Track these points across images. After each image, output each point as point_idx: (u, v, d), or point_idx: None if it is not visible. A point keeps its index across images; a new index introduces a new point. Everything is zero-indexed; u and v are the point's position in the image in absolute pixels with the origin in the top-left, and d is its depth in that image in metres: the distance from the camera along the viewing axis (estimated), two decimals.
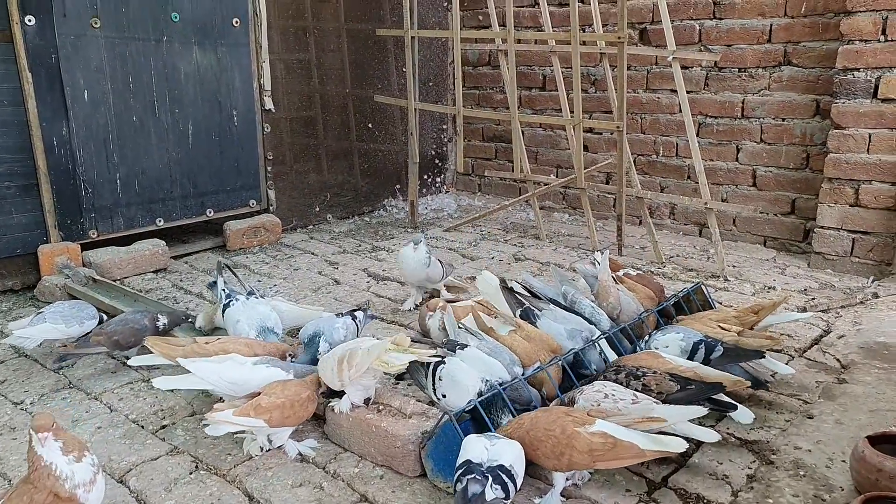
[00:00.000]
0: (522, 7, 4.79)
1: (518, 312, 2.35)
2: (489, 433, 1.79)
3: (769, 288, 3.35)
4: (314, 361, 2.27)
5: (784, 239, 3.94)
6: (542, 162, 4.94)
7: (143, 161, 3.62)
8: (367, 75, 4.70)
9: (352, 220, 4.74)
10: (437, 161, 5.36)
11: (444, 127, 5.35)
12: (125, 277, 3.51)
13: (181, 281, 3.53)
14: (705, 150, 4.04)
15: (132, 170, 3.58)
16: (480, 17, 5.03)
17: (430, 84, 5.05)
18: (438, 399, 2.02)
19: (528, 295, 2.48)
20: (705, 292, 2.80)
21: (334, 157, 4.62)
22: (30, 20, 3.11)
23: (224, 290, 2.50)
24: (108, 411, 2.27)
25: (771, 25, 3.78)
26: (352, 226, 4.62)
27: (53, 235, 3.36)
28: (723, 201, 4.03)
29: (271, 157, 4.19)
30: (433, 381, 2.02)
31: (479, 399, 1.91)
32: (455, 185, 5.53)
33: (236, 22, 3.85)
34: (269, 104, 4.11)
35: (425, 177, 5.27)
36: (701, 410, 1.81)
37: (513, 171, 4.34)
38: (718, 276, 3.49)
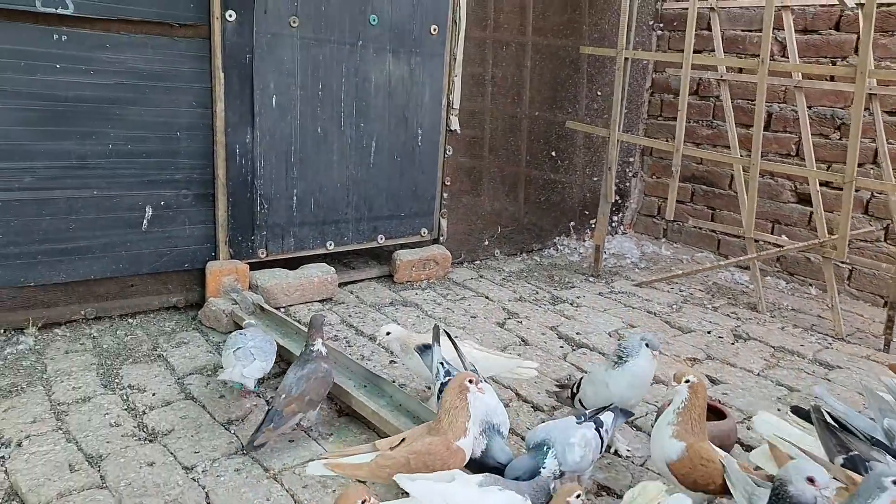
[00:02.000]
0: (750, 31, 4.09)
1: (839, 461, 1.68)
2: None
3: None
4: (534, 473, 1.74)
5: None
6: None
7: (322, 178, 3.27)
8: (556, 97, 4.17)
9: (521, 258, 4.22)
10: (616, 198, 4.73)
11: (631, 160, 4.72)
12: (291, 305, 3.16)
13: (349, 316, 3.12)
14: None
15: (310, 187, 3.23)
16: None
17: (623, 111, 4.43)
18: None
19: (838, 427, 1.81)
20: None
21: (510, 187, 4.11)
22: (230, 15, 2.82)
23: (442, 364, 2.00)
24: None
25: None
26: (522, 265, 4.09)
27: (223, 252, 3.05)
28: None
29: (448, 184, 3.74)
30: None
31: None
32: (634, 227, 4.88)
33: (434, 30, 3.44)
34: (454, 124, 3.66)
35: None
36: None
37: (712, 220, 3.65)
38: None
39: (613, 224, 4.77)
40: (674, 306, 3.52)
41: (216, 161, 2.94)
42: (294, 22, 2.98)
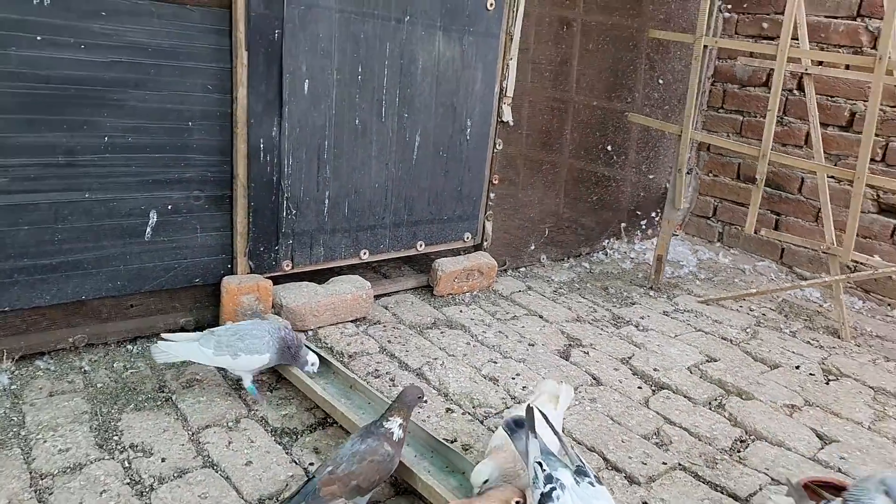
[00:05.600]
0: (835, 18, 3.58)
1: None
2: None
3: None
4: None
5: None
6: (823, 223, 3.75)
7: (358, 178, 2.76)
8: (615, 85, 3.66)
9: (568, 265, 3.75)
10: (667, 195, 4.26)
11: (676, 154, 4.23)
12: (320, 327, 2.69)
13: (389, 342, 2.66)
14: None
15: (344, 187, 2.73)
16: (765, 25, 3.86)
17: (683, 103, 3.94)
18: None
19: None
20: None
21: (561, 184, 3.63)
22: None
23: (541, 464, 1.50)
24: None
25: None
26: (571, 274, 3.63)
27: (241, 265, 2.56)
28: None
29: (496, 182, 3.25)
30: None
31: None
32: (685, 228, 4.43)
33: (490, 4, 2.91)
34: (507, 115, 3.15)
35: (652, 213, 4.20)
36: None
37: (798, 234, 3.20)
38: None
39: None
40: (748, 330, 3.08)
41: (235, 157, 2.44)
42: None
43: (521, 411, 1.79)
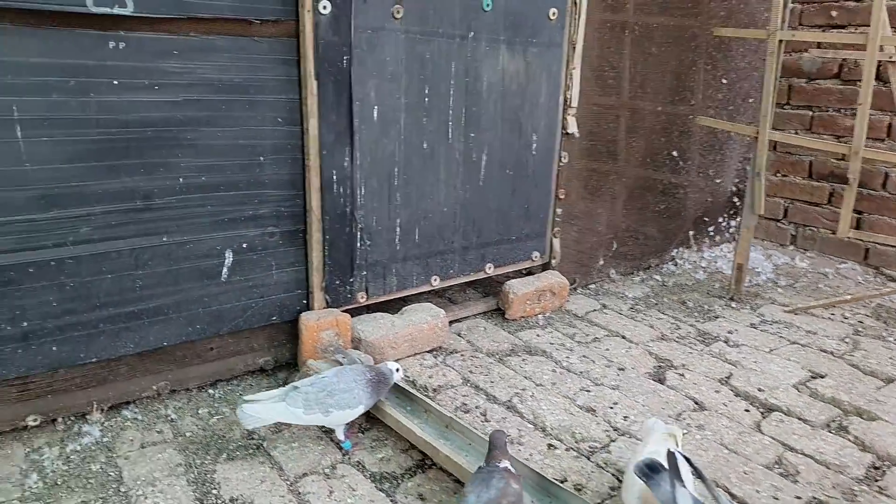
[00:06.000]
0: None
1: None
2: None
3: None
4: None
5: None
6: None
7: (428, 202, 2.68)
8: (679, 88, 3.53)
9: (639, 279, 3.61)
10: (735, 199, 4.10)
11: (750, 156, 4.07)
12: (398, 360, 2.60)
13: (470, 372, 2.55)
14: None
15: (415, 213, 2.65)
16: (834, 14, 3.70)
17: (750, 101, 3.78)
18: None
19: None
20: None
21: (628, 194, 3.49)
22: (325, 7, 2.22)
23: None
24: None
25: None
26: (644, 288, 3.48)
27: (317, 299, 2.49)
28: None
29: (562, 197, 3.14)
30: None
31: None
32: (754, 231, 4.24)
33: (553, 14, 2.81)
34: (572, 126, 3.04)
35: (719, 219, 4.04)
36: None
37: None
38: None
39: (731, 229, 4.14)
40: (847, 341, 2.89)
41: (308, 190, 2.37)
42: (398, 12, 2.38)
43: (636, 450, 1.66)
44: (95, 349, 2.08)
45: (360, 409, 2.02)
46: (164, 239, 2.15)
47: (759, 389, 2.46)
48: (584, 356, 2.71)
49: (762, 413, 2.34)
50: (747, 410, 2.35)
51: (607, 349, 2.79)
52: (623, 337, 2.91)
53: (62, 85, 1.88)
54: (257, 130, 2.25)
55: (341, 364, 2.28)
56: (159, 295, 2.17)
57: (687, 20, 3.39)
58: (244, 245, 2.31)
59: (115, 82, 1.95)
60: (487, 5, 2.60)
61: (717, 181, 3.87)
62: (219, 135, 2.18)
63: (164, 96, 2.05)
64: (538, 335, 2.89)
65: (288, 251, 2.42)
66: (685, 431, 2.20)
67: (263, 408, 1.92)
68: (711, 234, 4.01)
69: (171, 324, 2.21)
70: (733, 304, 3.29)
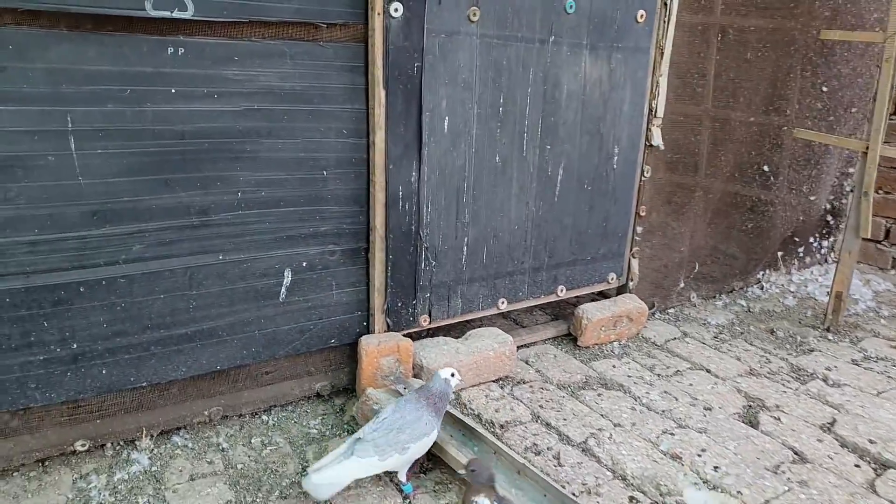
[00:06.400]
0: None
1: None
2: None
3: None
4: None
5: None
6: None
7: (497, 220, 2.48)
8: (774, 96, 3.21)
9: (722, 302, 3.32)
10: (828, 218, 3.75)
11: (850, 171, 3.71)
12: (462, 390, 2.41)
13: (540, 406, 2.34)
14: None
15: (483, 232, 2.46)
16: None
17: (853, 111, 3.43)
18: None
19: None
20: None
21: (714, 212, 3.21)
22: (396, 9, 2.05)
23: None
24: None
25: None
26: (728, 314, 3.19)
27: (378, 322, 2.32)
28: None
29: (643, 214, 2.88)
30: None
31: None
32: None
33: (641, 16, 2.57)
34: (657, 138, 2.79)
35: (810, 239, 3.69)
36: None
37: None
38: None
39: (822, 250, 3.79)
40: None
41: (372, 206, 2.20)
42: (474, 15, 2.19)
43: None
44: (146, 373, 1.97)
45: (435, 434, 1.87)
46: (220, 257, 2.02)
47: (871, 441, 2.17)
48: (665, 392, 2.46)
49: (876, 470, 2.04)
50: (857, 465, 2.06)
51: (691, 384, 2.53)
52: (707, 370, 2.64)
53: (118, 94, 1.76)
54: (320, 143, 2.09)
55: (401, 395, 2.11)
56: (213, 316, 2.04)
57: (787, 21, 3.07)
58: (304, 264, 2.16)
59: (173, 91, 1.83)
60: (570, 7, 2.38)
61: (811, 198, 3.53)
62: (279, 147, 2.04)
63: (224, 105, 1.92)
64: (614, 366, 2.66)
65: (349, 270, 2.26)
66: (786, 488, 1.94)
67: (333, 472, 1.74)
68: (801, 255, 3.67)
69: (225, 346, 2.09)
70: (830, 336, 2.97)
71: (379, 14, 2.02)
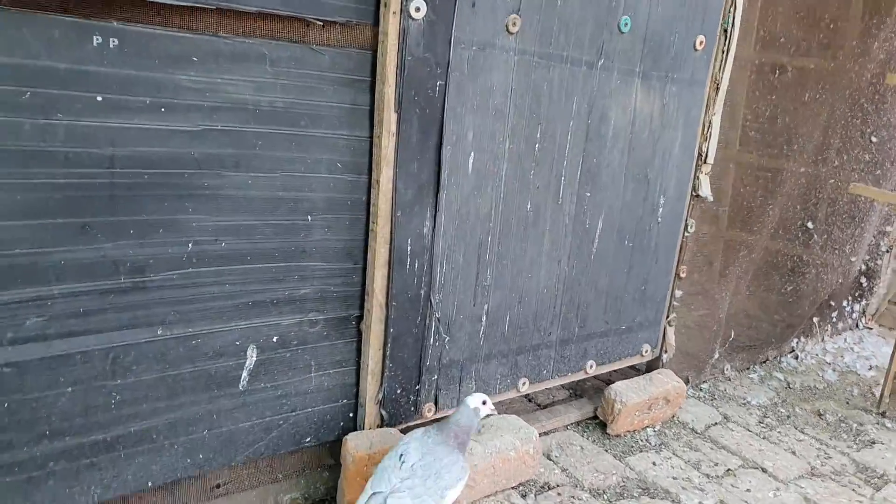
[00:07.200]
0: None
1: None
2: None
3: None
4: None
5: None
6: None
7: (524, 282, 1.97)
8: (823, 146, 2.82)
9: (757, 375, 2.87)
10: (861, 280, 3.37)
11: (887, 230, 3.35)
12: (474, 502, 1.87)
13: None
14: None
15: (507, 297, 1.94)
16: None
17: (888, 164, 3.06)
18: None
19: None
20: None
21: (754, 273, 2.77)
22: (418, 9, 1.54)
23: None
24: None
25: None
26: (768, 390, 2.73)
27: (370, 414, 1.77)
28: None
29: (683, 275, 2.43)
30: None
31: None
32: (879, 319, 3.50)
33: (700, 42, 2.13)
34: (705, 188, 2.33)
35: (843, 303, 3.30)
36: None
37: None
38: None
39: (853, 315, 3.40)
40: None
41: (371, 264, 1.67)
42: (514, 24, 1.69)
43: None
44: (39, 500, 1.37)
45: (468, 473, 1.59)
46: (159, 332, 1.44)
47: None
48: (722, 502, 1.97)
49: None
50: None
51: (748, 490, 2.05)
52: (763, 470, 2.17)
53: (12, 98, 1.20)
54: (305, 179, 1.56)
55: None
56: (145, 414, 1.46)
57: (846, 62, 2.69)
58: (274, 339, 1.61)
59: (99, 98, 1.27)
60: (626, 24, 1.91)
61: (852, 259, 3.14)
62: (250, 182, 1.49)
63: (174, 123, 1.37)
64: (654, 462, 2.16)
65: (334, 346, 1.71)
66: None
67: None
68: (834, 320, 3.28)
69: (162, 454, 1.50)
70: (888, 424, 2.54)
71: (395, 13, 1.51)
